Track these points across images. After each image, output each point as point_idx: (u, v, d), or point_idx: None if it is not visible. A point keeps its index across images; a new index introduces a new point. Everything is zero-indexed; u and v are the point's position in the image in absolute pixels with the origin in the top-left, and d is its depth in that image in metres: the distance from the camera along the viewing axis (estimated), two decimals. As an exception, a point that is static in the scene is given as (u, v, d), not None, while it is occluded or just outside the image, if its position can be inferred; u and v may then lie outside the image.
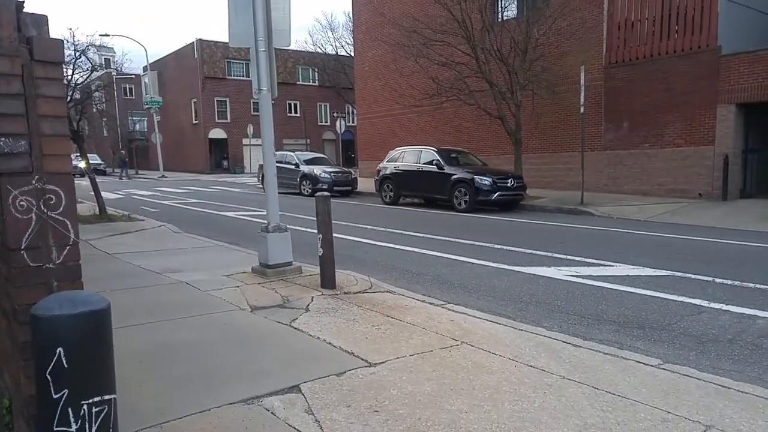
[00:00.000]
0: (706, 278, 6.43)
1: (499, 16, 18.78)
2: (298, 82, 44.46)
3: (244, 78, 40.24)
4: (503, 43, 15.96)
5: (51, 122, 2.05)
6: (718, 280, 6.32)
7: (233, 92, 41.24)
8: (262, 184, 15.82)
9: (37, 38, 2.03)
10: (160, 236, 9.75)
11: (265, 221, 6.55)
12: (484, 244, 9.01)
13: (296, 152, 22.19)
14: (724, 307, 5.26)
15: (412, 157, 16.31)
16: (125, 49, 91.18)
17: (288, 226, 6.66)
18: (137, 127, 50.58)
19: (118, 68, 26.01)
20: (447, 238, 9.57)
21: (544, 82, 16.08)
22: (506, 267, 7.21)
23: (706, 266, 7.11)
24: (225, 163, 42.06)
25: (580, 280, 6.45)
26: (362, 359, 3.68)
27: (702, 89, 15.07)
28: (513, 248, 8.55)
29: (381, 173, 17.02)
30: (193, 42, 40.69)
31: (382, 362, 3.63)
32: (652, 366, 3.64)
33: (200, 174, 38.53)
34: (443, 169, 14.98)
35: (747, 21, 16.15)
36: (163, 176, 33.87)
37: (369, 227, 11.12)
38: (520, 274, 6.83)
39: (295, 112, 44.53)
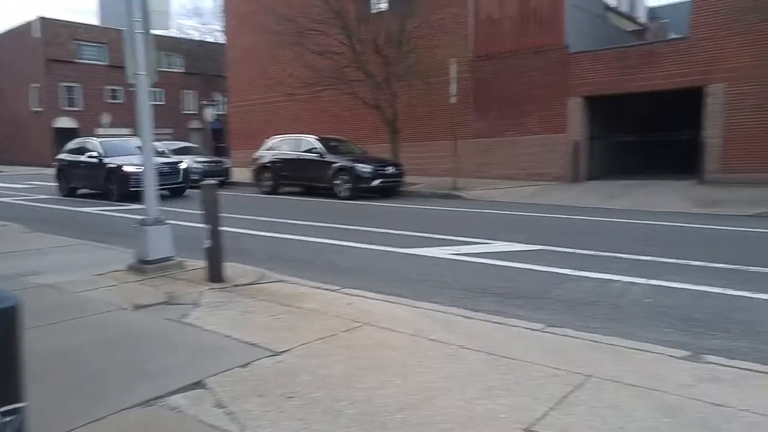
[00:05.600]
0: (568, 250, 7.17)
1: (374, 8, 19.08)
2: (161, 68, 41.33)
3: (99, 62, 36.68)
4: (379, 34, 16.27)
5: None
6: (578, 251, 7.08)
7: (84, 77, 37.36)
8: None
9: None
10: (3, 236, 8.60)
11: (139, 216, 6.09)
12: (369, 229, 9.19)
13: (163, 141, 20.80)
14: (586, 274, 5.91)
15: (291, 145, 16.09)
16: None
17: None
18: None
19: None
20: (332, 225, 9.61)
21: (417, 73, 16.66)
22: (393, 250, 7.43)
23: (566, 240, 7.92)
24: (76, 155, 38.06)
25: (461, 258, 6.85)
26: (266, 349, 3.60)
27: (555, 83, 16.64)
28: (397, 232, 8.82)
29: (259, 162, 16.64)
30: (34, 20, 36.12)
31: (288, 350, 3.58)
32: (536, 330, 4.00)
33: (45, 168, 34.50)
34: (324, 157, 14.97)
35: (590, 24, 18.11)
36: (-2, 171, 29.85)
37: (251, 217, 10.80)
38: (407, 256, 7.08)
39: (159, 99, 41.57)
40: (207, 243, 5.53)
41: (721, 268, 6.10)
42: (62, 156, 16.32)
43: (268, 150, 16.55)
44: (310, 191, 15.90)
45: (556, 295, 5.19)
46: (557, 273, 6.01)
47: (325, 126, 20.90)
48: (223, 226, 5.65)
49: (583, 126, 16.60)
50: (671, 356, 3.45)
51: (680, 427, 2.59)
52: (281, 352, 3.55)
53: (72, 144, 16.84)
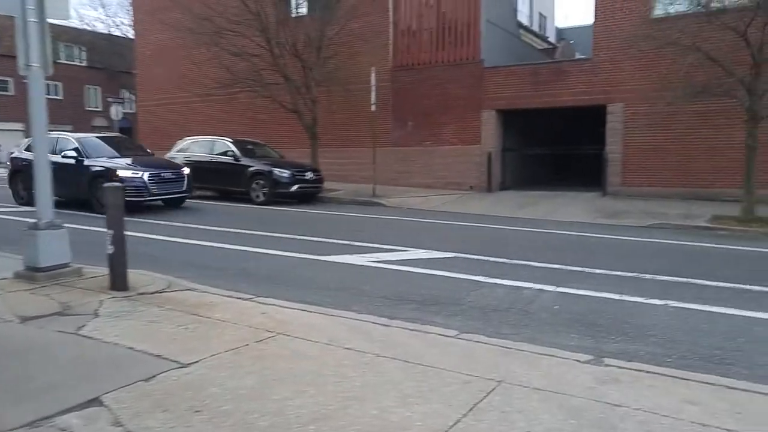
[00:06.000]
0: (482, 258, 7.39)
1: (294, 12, 18.85)
2: (60, 61, 38.34)
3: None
4: (298, 38, 16.08)
5: None
6: (491, 259, 7.32)
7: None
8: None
9: None
10: None
11: (32, 219, 5.59)
12: (286, 235, 9.01)
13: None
14: (499, 281, 6.11)
15: (204, 147, 15.46)
16: None
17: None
18: None
19: None
20: (247, 231, 9.32)
21: (337, 79, 16.64)
22: (311, 257, 7.32)
23: (481, 248, 8.16)
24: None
25: (380, 265, 6.87)
26: (173, 361, 3.39)
27: (470, 96, 17.23)
28: (315, 238, 8.71)
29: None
30: None
31: (196, 361, 3.39)
32: (450, 337, 4.06)
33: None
34: (239, 161, 14.52)
35: (504, 40, 18.95)
36: None
37: (160, 222, 10.25)
38: (325, 263, 7.00)
39: (57, 94, 38.62)
40: (110, 249, 5.16)
41: (620, 275, 6.53)
42: (19, 155, 13.15)
43: (179, 152, 15.78)
44: (224, 196, 15.34)
45: (470, 302, 5.31)
46: (472, 280, 6.17)
47: (242, 129, 20.30)
48: (132, 230, 5.31)
49: (496, 138, 17.29)
50: (576, 360, 3.62)
51: (582, 427, 2.71)
52: (189, 363, 3.36)
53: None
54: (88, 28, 40.70)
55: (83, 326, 4.05)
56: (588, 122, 17.16)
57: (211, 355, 3.52)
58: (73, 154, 11.73)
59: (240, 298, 5.01)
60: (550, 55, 24.57)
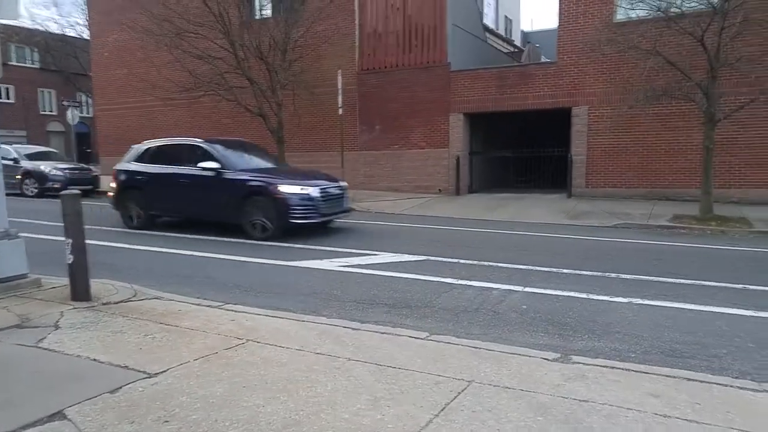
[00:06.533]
0: (452, 260, 7.46)
1: (258, 14, 18.68)
2: (11, 63, 36.80)
3: None
4: (263, 41, 15.92)
5: None
6: (461, 261, 7.39)
7: None
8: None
9: None
10: None
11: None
12: (252, 241, 8.91)
13: (14, 145, 18.79)
14: (469, 282, 6.17)
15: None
16: None
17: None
18: None
19: None
20: (215, 238, 9.18)
21: (303, 82, 16.55)
22: (281, 263, 7.26)
23: (451, 250, 8.23)
24: None
25: (351, 269, 6.86)
26: (140, 371, 3.31)
27: (438, 99, 17.37)
28: (285, 244, 8.63)
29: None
30: None
31: (164, 371, 3.33)
32: (421, 339, 4.09)
33: None
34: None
35: (470, 43, 19.18)
36: None
37: (126, 230, 10.01)
38: (295, 269, 6.95)
39: (8, 97, 37.24)
40: (69, 258, 5.01)
41: (587, 275, 6.67)
42: (128, 167, 10.55)
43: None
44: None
45: (441, 304, 5.35)
46: (442, 282, 6.22)
47: (205, 133, 19.96)
48: (93, 239, 5.17)
49: (464, 141, 17.47)
50: (544, 359, 3.69)
51: (550, 424, 2.76)
52: (157, 373, 3.30)
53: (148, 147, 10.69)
54: (41, 28, 39.06)
55: (43, 339, 3.93)
56: (553, 125, 17.48)
57: (180, 364, 3.46)
58: (214, 165, 9.32)
59: (209, 306, 4.94)
60: (516, 58, 24.97)
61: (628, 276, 6.57)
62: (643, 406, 2.95)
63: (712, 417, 2.86)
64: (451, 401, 2.99)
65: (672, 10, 11.95)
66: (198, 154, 9.69)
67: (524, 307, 5.28)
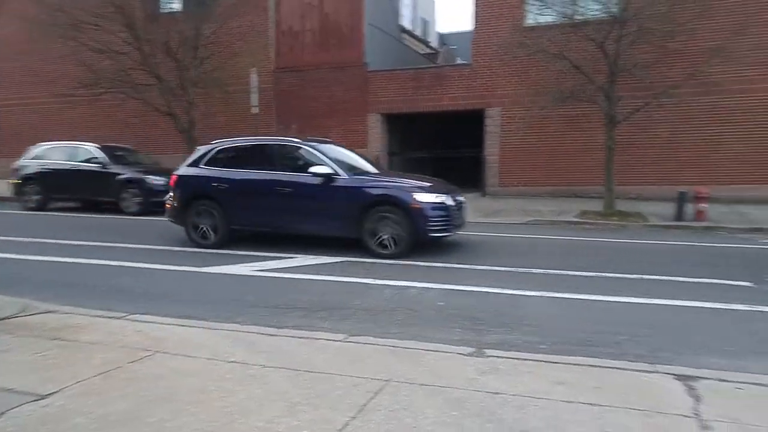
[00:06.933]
0: (370, 260, 7.47)
1: (165, 7, 17.80)
2: None
3: None
4: (171, 36, 15.19)
5: None
6: (379, 261, 7.41)
7: None
8: None
9: None
10: None
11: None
12: (165, 247, 8.49)
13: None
14: (386, 282, 6.20)
15: (65, 154, 14.00)
16: None
17: None
18: None
19: None
20: (119, 245, 8.63)
21: (216, 80, 15.94)
22: (192, 269, 6.95)
23: (359, 252, 7.98)
24: None
25: (267, 274, 6.69)
26: (28, 393, 3.02)
27: (356, 99, 17.41)
28: (196, 250, 8.28)
29: (21, 173, 14.09)
30: None
31: (58, 391, 3.06)
32: (339, 341, 4.04)
33: None
34: (107, 168, 13.34)
35: (388, 44, 19.37)
36: None
37: (12, 238, 9.18)
38: (207, 275, 6.68)
39: None
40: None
41: (500, 270, 6.90)
42: (201, 172, 8.80)
43: (33, 159, 14.21)
44: (91, 206, 14.05)
45: (359, 305, 5.33)
46: (360, 283, 6.20)
47: (109, 133, 18.74)
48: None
49: (382, 142, 17.62)
50: (459, 354, 3.76)
51: (464, 417, 2.81)
52: (48, 394, 3.02)
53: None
54: None
55: None
56: (468, 126, 18.04)
57: (77, 382, 3.19)
58: (325, 170, 7.98)
59: (112, 317, 4.62)
60: (432, 59, 25.52)
61: (539, 270, 6.87)
62: (551, 394, 3.09)
63: (612, 398, 3.03)
64: (368, 401, 2.98)
65: (576, 17, 12.68)
66: (295, 157, 8.47)
67: (441, 303, 5.38)
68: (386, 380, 3.28)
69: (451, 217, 7.92)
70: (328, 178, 7.96)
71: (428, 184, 8.28)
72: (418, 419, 2.79)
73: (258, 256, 7.74)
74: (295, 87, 17.96)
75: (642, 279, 6.44)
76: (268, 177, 8.32)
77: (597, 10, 12.59)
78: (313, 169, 7.97)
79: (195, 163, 8.95)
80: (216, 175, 8.60)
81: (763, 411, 2.94)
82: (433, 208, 7.71)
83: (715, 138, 14.71)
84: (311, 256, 7.71)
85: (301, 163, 8.30)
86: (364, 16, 17.45)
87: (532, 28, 15.07)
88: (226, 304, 5.37)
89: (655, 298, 5.56)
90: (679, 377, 3.35)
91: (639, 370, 3.50)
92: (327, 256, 7.72)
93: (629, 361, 3.75)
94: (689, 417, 2.84)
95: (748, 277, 6.47)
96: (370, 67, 17.43)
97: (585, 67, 12.38)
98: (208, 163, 8.81)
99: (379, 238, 7.73)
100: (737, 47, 13.15)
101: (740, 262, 7.64)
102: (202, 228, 8.54)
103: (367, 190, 7.92)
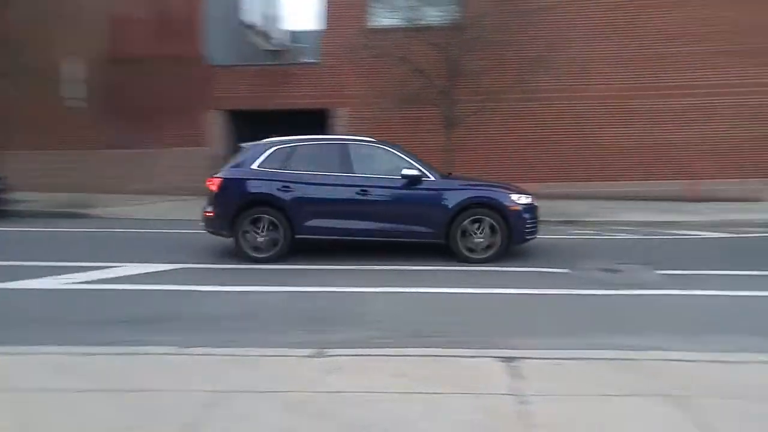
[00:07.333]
0: (208, 266, 7.10)
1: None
2: None
3: None
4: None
5: None
6: (214, 266, 7.06)
7: None
8: None
9: None
10: None
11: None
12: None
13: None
14: (226, 288, 5.91)
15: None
16: None
17: None
18: None
19: None
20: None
21: (31, 70, 13.87)
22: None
23: (202, 256, 7.70)
24: None
25: (82, 286, 5.94)
26: None
27: (194, 95, 16.40)
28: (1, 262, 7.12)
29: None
30: None
31: None
32: (171, 354, 3.71)
33: None
34: None
35: (231, 38, 18.56)
36: None
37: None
38: (12, 291, 5.74)
39: None
40: None
41: (345, 269, 6.93)
42: (256, 174, 7.70)
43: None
44: None
45: (195, 314, 5.01)
46: (195, 290, 5.81)
47: None
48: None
49: (227, 139, 16.82)
50: (301, 356, 3.67)
51: (303, 419, 2.76)
52: None
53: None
54: None
55: None
56: (320, 125, 17.97)
57: None
58: (414, 172, 7.43)
59: None
60: (280, 57, 25.06)
61: (379, 267, 6.99)
62: (389, 387, 3.15)
63: (445, 385, 3.18)
64: (204, 415, 2.78)
65: (420, 22, 13.25)
66: (373, 156, 7.79)
67: (283, 306, 5.26)
68: (223, 390, 3.09)
69: (536, 221, 7.75)
70: (415, 180, 7.45)
71: (506, 186, 8.08)
72: (256, 427, 2.67)
73: (73, 267, 6.72)
74: (128, 80, 16.32)
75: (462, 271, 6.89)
76: (351, 180, 7.48)
77: (439, 16, 13.29)
78: (405, 171, 7.41)
79: (242, 164, 7.96)
80: (281, 178, 7.54)
81: (576, 381, 3.29)
82: (525, 210, 7.47)
83: (539, 140, 16.21)
84: (142, 264, 6.92)
85: (380, 163, 7.72)
86: (204, 8, 16.53)
87: (377, 30, 15.39)
88: (35, 324, 4.68)
89: (470, 287, 5.95)
90: (505, 359, 3.61)
91: (468, 356, 3.69)
92: (159, 263, 7.00)
93: (460, 348, 3.91)
94: (512, 395, 3.07)
95: (564, 265, 7.18)
96: (211, 62, 16.57)
97: (427, 71, 12.97)
98: (262, 165, 7.79)
99: (473, 242, 7.31)
100: (553, 59, 14.67)
101: (558, 252, 8.39)
102: (257, 241, 7.35)
103: (462, 192, 7.48)
